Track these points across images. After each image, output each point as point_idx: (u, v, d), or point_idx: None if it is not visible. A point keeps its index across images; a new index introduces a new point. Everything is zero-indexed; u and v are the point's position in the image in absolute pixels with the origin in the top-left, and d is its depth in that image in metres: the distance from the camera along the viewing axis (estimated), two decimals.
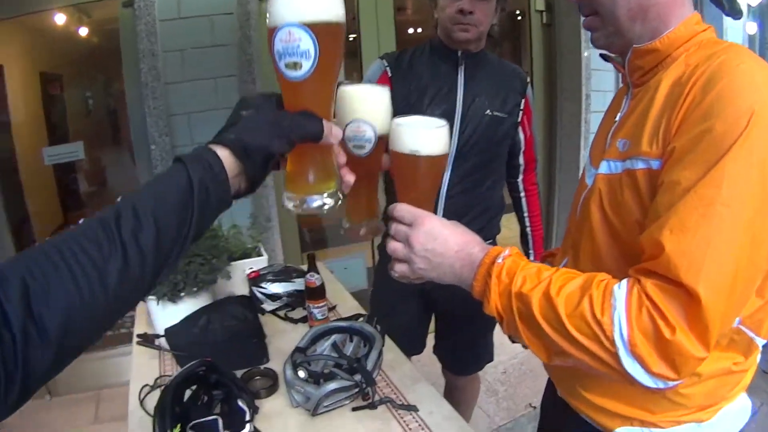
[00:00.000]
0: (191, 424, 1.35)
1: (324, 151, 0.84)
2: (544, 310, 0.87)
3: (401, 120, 1.04)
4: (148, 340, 1.81)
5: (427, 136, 1.01)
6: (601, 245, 1.04)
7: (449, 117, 1.85)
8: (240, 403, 1.42)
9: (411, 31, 3.98)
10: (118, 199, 0.68)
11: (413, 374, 1.69)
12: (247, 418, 1.39)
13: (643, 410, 1.05)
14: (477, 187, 1.97)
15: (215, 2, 2.89)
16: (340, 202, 0.87)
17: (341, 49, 0.82)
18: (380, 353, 1.60)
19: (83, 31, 4.36)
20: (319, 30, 0.75)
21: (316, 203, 0.84)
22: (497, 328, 1.41)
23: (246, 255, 2.28)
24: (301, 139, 0.79)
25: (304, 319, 2.06)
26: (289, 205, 0.85)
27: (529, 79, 2.03)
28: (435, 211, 1.94)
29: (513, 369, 3.42)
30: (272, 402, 1.59)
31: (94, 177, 4.80)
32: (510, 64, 2.04)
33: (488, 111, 1.89)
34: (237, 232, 2.30)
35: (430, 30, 2.02)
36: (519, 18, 4.03)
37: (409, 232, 1.02)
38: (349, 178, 0.90)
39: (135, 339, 1.91)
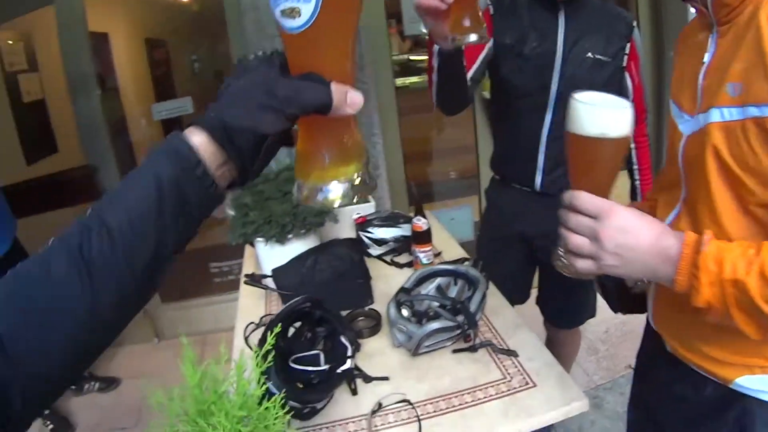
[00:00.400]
0: (293, 357, 1.39)
1: (340, 124, 0.65)
2: (764, 291, 0.80)
3: (582, 97, 0.92)
4: (255, 279, 1.86)
5: (615, 117, 0.90)
6: (721, 200, 0.95)
7: (549, 59, 1.81)
8: (343, 339, 1.45)
9: None
10: (88, 211, 0.59)
11: (515, 320, 1.66)
12: (349, 353, 1.42)
13: (765, 358, 0.98)
14: None
15: None
16: (364, 189, 0.67)
17: None
18: (483, 296, 1.57)
19: None
20: None
21: (332, 194, 0.66)
22: None
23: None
24: (302, 113, 0.61)
25: (409, 264, 2.07)
26: (298, 195, 0.68)
27: (635, 23, 1.91)
28: (537, 156, 1.86)
29: (615, 329, 3.29)
30: (374, 342, 1.62)
31: None
32: (615, 7, 1.93)
33: (590, 54, 1.81)
34: None
35: None
36: None
37: (596, 226, 0.91)
38: None
39: (242, 279, 1.97)
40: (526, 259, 2.18)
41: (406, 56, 4.12)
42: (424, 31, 1.58)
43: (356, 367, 1.48)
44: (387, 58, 3.23)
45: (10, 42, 4.11)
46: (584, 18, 1.82)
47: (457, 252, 2.16)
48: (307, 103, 0.60)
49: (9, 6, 3.44)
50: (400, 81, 3.56)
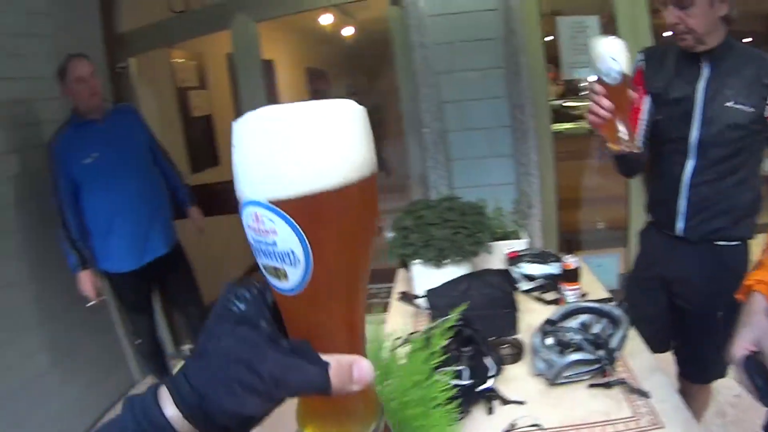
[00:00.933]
0: (439, 369, 1.54)
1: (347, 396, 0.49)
2: None
3: None
4: (407, 298, 2.04)
5: None
6: None
7: (689, 106, 1.88)
8: (486, 360, 1.58)
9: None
10: None
11: (651, 364, 1.70)
12: (491, 373, 1.54)
13: None
14: (720, 179, 1.91)
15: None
16: None
17: (364, 222, 0.48)
18: (624, 335, 1.64)
19: (347, 31, 4.76)
20: (308, 213, 0.44)
21: None
22: None
23: (506, 237, 2.45)
24: (293, 396, 0.49)
25: (555, 302, 2.15)
26: None
27: None
28: (678, 200, 1.97)
29: (747, 395, 3.12)
30: (514, 369, 1.72)
31: None
32: (755, 50, 1.88)
33: (729, 102, 1.81)
34: (500, 214, 2.48)
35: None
36: None
37: None
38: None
39: (395, 297, 2.15)
40: (667, 305, 2.19)
41: (559, 102, 4.17)
42: (580, 77, 1.78)
43: (495, 389, 1.59)
44: (545, 102, 3.34)
45: (183, 60, 4.55)
46: (728, 65, 1.83)
47: (602, 294, 2.21)
48: (297, 387, 0.48)
49: (186, 27, 3.79)
50: (555, 126, 3.62)
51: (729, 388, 3.05)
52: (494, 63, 3.12)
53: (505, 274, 2.08)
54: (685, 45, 1.83)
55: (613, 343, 1.59)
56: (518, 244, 2.39)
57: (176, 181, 3.29)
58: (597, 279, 2.38)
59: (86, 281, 2.88)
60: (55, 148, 2.76)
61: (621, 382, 1.58)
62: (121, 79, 3.67)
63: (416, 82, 3.15)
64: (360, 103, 0.46)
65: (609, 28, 3.18)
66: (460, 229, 2.04)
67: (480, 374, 1.56)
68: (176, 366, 3.63)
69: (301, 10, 3.63)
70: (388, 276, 3.91)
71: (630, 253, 3.46)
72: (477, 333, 1.63)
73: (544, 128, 3.33)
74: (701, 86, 1.86)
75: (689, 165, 1.93)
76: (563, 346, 1.61)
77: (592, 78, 1.63)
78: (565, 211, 3.69)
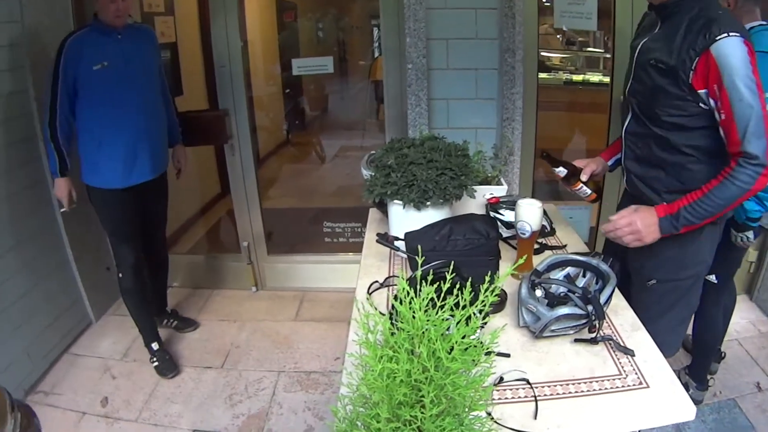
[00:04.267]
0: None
1: None
2: None
3: None
4: (387, 240, 1.93)
5: None
6: None
7: (631, 61, 1.90)
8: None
9: None
10: None
11: (635, 322, 1.67)
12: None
13: None
14: (648, 137, 1.88)
15: None
16: None
17: None
18: (612, 292, 1.58)
19: None
20: None
21: None
22: None
23: (486, 182, 2.37)
24: None
25: (535, 251, 2.08)
26: None
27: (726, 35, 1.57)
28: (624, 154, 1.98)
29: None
30: (496, 319, 1.66)
31: (317, 102, 5.14)
32: (712, 15, 1.62)
33: (651, 60, 1.76)
34: (481, 158, 2.39)
35: None
36: None
37: None
38: None
39: (375, 238, 2.01)
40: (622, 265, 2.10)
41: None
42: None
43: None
44: (535, 49, 3.25)
45: None
46: (675, 21, 1.72)
47: (581, 247, 2.18)
48: None
49: None
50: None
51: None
52: (488, 3, 2.96)
53: (490, 219, 1.99)
54: None
55: (602, 298, 1.53)
56: (498, 190, 2.31)
57: (172, 116, 3.26)
58: (574, 230, 2.34)
59: (63, 187, 2.85)
60: (70, 44, 2.69)
61: (607, 339, 1.54)
62: None
63: (404, 16, 2.98)
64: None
65: None
66: (444, 170, 1.93)
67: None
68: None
69: None
70: (356, 215, 3.82)
71: (604, 206, 3.46)
72: (464, 280, 1.54)
73: (531, 75, 3.23)
74: (641, 41, 1.84)
75: (627, 117, 1.95)
76: (552, 299, 1.54)
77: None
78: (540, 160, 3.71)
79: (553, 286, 1.63)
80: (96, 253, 3.65)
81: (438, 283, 1.53)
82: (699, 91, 1.65)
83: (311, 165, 5.38)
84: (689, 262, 1.92)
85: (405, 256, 1.91)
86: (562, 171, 2.09)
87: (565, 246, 2.17)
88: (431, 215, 1.97)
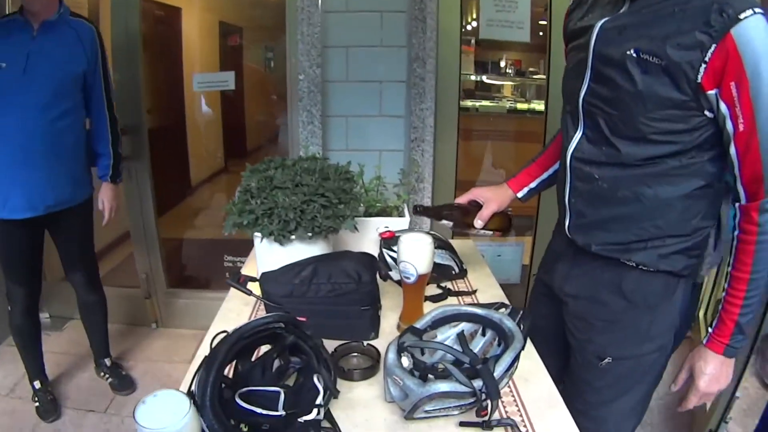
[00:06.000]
0: (244, 389, 1.04)
1: None
2: None
3: None
4: (238, 281, 1.48)
5: None
6: None
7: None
8: (316, 380, 1.08)
9: None
10: None
11: (551, 396, 1.26)
12: (318, 401, 1.04)
13: None
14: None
15: None
16: None
17: None
18: (516, 359, 1.15)
19: None
20: None
21: None
22: None
23: (386, 213, 1.96)
24: None
25: (435, 298, 1.70)
26: None
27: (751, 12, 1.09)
28: (566, 180, 1.44)
29: None
30: (364, 388, 1.25)
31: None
32: None
33: (630, 51, 1.22)
34: (380, 184, 1.98)
35: None
36: None
37: None
38: None
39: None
40: (560, 321, 1.65)
41: (478, 77, 3.76)
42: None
43: (329, 417, 1.11)
44: (455, 57, 2.88)
45: None
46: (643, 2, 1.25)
47: (495, 293, 1.77)
48: None
49: None
50: (468, 102, 3.31)
51: None
52: (396, 5, 2.60)
53: (367, 258, 1.54)
54: None
55: (499, 368, 1.09)
56: (397, 223, 1.89)
57: (101, 141, 2.68)
58: (491, 274, 1.93)
59: None
60: None
61: (507, 423, 1.12)
62: None
63: (296, 20, 2.60)
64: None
65: None
66: (314, 196, 1.51)
67: (307, 399, 1.06)
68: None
69: None
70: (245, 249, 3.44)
71: (537, 243, 3.14)
72: (305, 340, 1.13)
73: (449, 91, 2.85)
74: (597, 22, 1.31)
75: (575, 136, 1.42)
76: (426, 371, 1.11)
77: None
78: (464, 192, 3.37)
79: (428, 351, 1.21)
80: None
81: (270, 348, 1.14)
82: (708, 93, 1.16)
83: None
84: (656, 331, 1.42)
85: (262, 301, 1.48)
86: (447, 223, 1.71)
87: (475, 291, 1.76)
88: (301, 251, 1.54)
